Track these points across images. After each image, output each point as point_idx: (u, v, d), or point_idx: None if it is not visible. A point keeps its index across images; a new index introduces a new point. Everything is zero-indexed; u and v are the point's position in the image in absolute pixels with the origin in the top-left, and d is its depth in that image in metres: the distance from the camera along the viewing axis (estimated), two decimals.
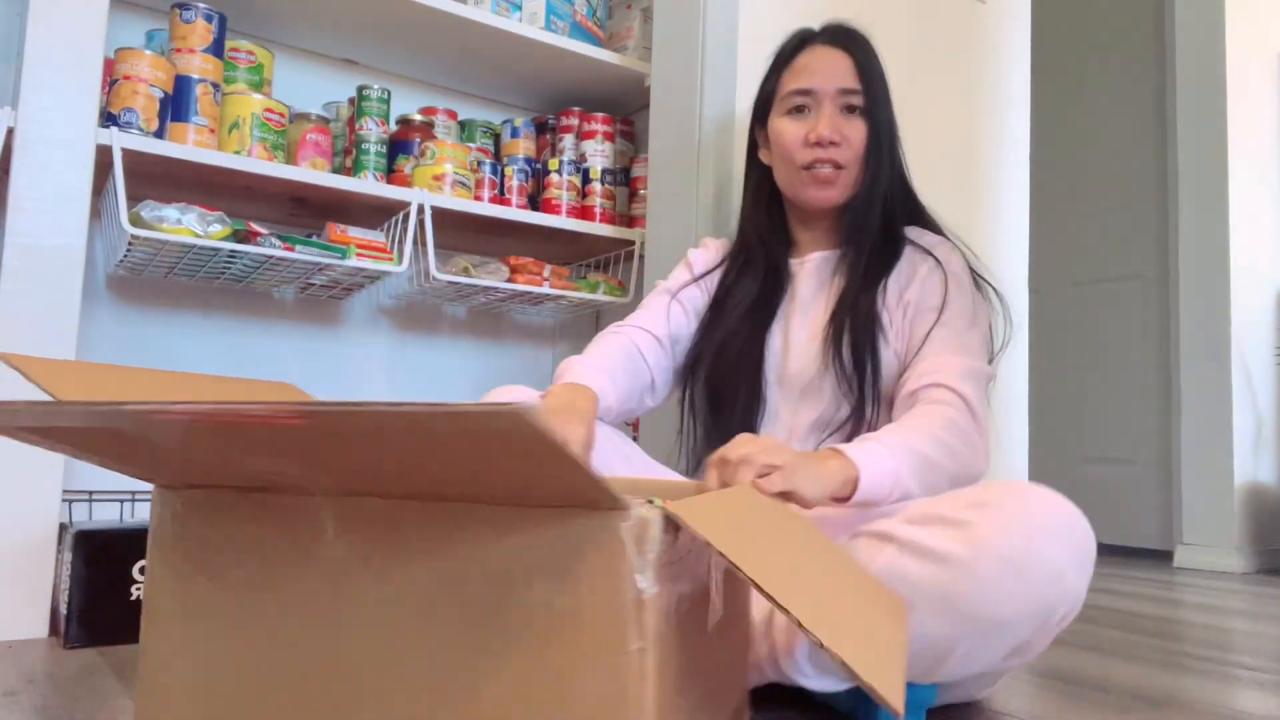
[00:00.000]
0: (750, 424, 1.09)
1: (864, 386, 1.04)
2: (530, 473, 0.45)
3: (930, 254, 1.09)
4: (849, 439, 0.98)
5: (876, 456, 0.87)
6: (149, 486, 1.52)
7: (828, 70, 1.10)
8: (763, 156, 1.19)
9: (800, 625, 0.44)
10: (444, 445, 0.43)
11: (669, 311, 1.16)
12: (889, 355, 1.06)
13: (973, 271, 1.11)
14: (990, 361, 1.05)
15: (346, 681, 0.54)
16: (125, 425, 0.48)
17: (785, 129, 1.12)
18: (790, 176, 1.13)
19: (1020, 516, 0.75)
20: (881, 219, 1.11)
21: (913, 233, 1.14)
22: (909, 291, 1.07)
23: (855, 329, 1.05)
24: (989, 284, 1.12)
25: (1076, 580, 0.75)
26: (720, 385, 1.11)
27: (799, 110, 1.11)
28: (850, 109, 1.10)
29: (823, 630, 0.44)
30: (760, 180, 1.20)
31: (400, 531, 0.54)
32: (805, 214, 1.16)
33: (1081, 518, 0.79)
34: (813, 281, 1.14)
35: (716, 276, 1.20)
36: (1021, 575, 0.73)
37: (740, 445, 0.79)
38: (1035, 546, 0.74)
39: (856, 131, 1.10)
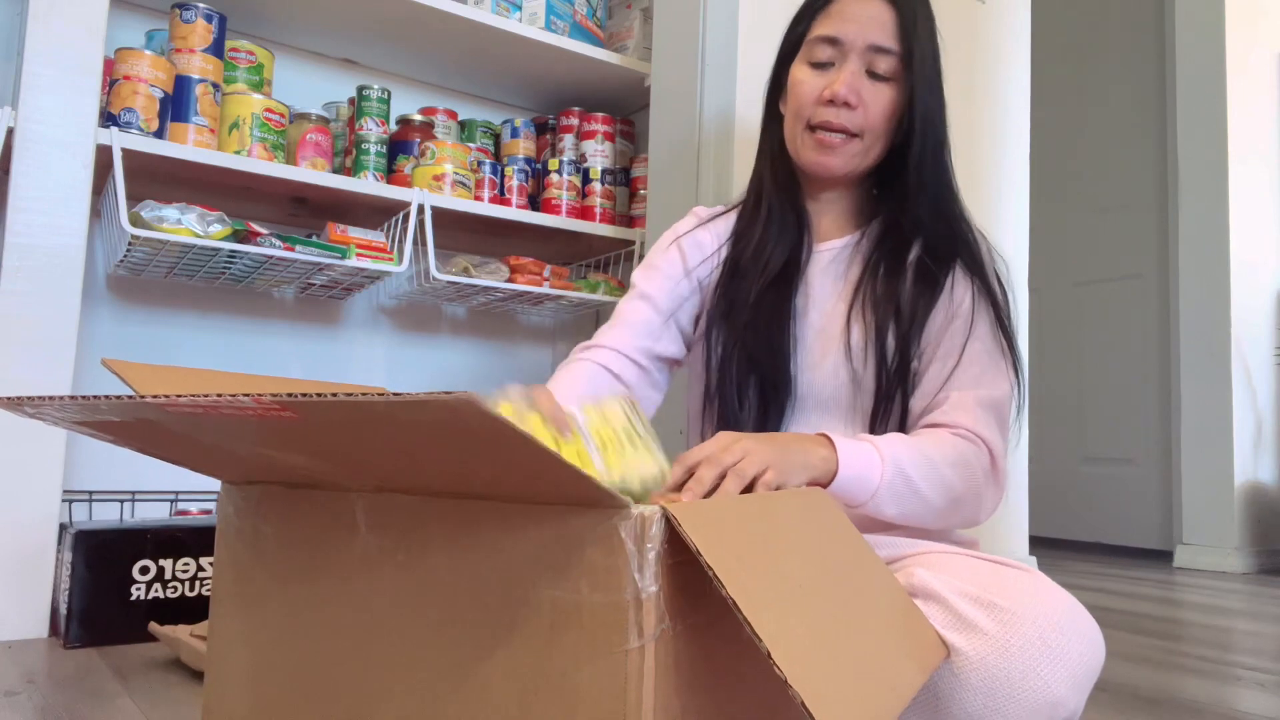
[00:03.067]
0: (778, 418, 0.97)
1: (879, 397, 0.92)
2: (509, 464, 0.45)
3: (961, 260, 0.97)
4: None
5: (864, 465, 0.81)
6: (149, 486, 1.53)
7: (863, 20, 0.95)
8: (781, 105, 1.04)
9: (769, 656, 0.43)
10: (414, 435, 0.44)
11: (660, 329, 1.01)
12: (919, 359, 0.94)
13: (1001, 287, 0.98)
14: (1016, 372, 0.94)
15: (377, 671, 0.56)
16: (158, 419, 0.49)
17: (802, 79, 0.97)
18: (794, 132, 0.99)
19: (1030, 631, 0.70)
20: (912, 204, 0.97)
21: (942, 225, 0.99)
22: (937, 306, 0.95)
23: (873, 328, 0.94)
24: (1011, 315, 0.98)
25: (1075, 703, 0.71)
26: (743, 383, 0.97)
27: (822, 61, 0.97)
28: (877, 73, 0.95)
29: (800, 674, 0.44)
30: (773, 131, 1.06)
31: (423, 527, 0.55)
32: (813, 180, 1.02)
33: (1092, 631, 0.73)
34: (828, 275, 1.00)
35: (722, 249, 1.05)
36: (1015, 697, 0.69)
37: (703, 448, 0.71)
38: (1037, 670, 0.69)
39: (878, 98, 0.95)
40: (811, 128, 0.97)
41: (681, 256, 1.05)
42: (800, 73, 0.98)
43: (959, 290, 0.95)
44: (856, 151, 0.97)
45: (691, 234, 1.06)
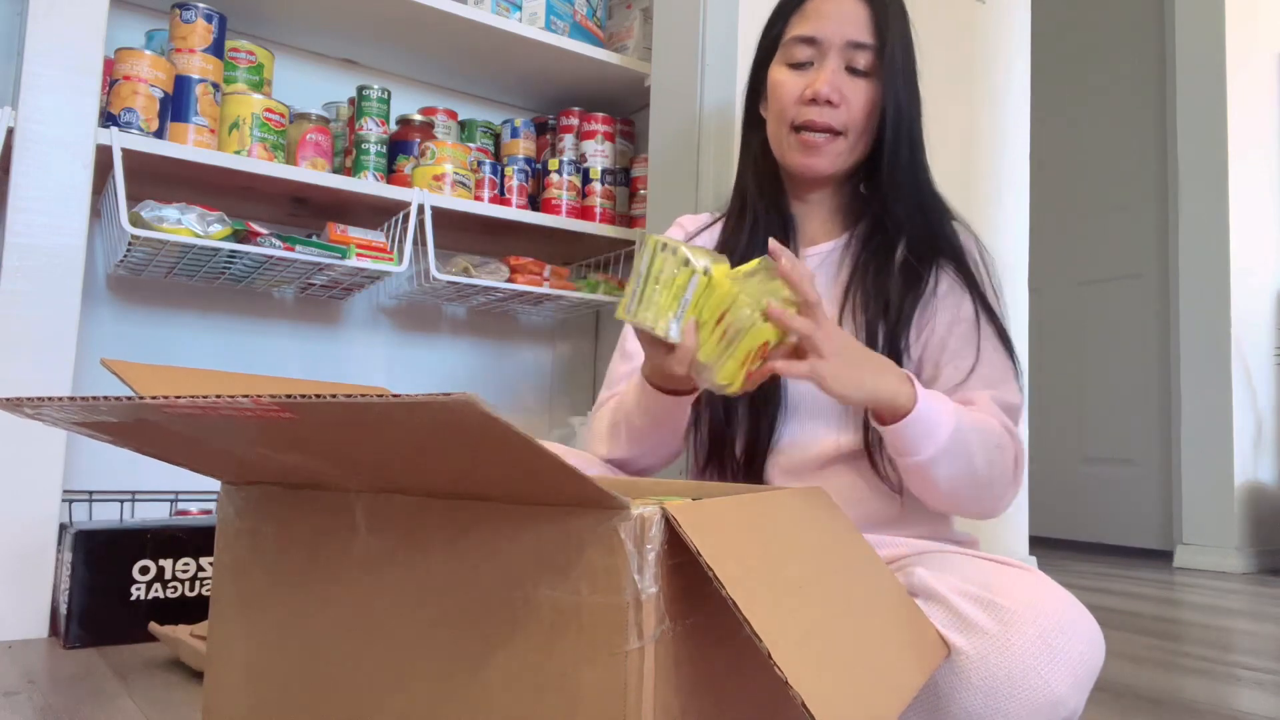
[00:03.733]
0: (769, 427, 0.95)
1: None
2: (509, 465, 0.45)
3: (946, 258, 0.96)
4: (862, 469, 0.92)
5: (937, 415, 0.79)
6: (149, 486, 1.53)
7: (839, 18, 0.95)
8: (762, 109, 1.04)
9: (769, 657, 0.43)
10: (413, 435, 0.44)
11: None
12: (911, 359, 0.93)
13: (992, 286, 0.98)
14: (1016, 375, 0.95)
15: (377, 672, 0.56)
16: (158, 420, 0.49)
17: (781, 81, 0.97)
18: (778, 135, 0.99)
19: (1030, 630, 0.70)
20: (890, 202, 0.97)
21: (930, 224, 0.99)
22: (931, 310, 0.94)
23: (864, 329, 0.93)
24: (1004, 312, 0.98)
25: (1076, 702, 0.71)
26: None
27: (800, 61, 0.97)
28: (856, 68, 0.95)
29: (800, 675, 0.44)
30: (756, 135, 1.05)
31: (423, 528, 0.55)
32: (799, 183, 1.02)
33: (1093, 630, 0.73)
34: (816, 281, 0.94)
35: None
36: (1016, 696, 0.69)
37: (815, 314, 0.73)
38: (1037, 669, 0.69)
39: (859, 94, 0.95)
40: (795, 128, 0.96)
41: None
42: (779, 74, 0.98)
43: (954, 294, 0.94)
44: (841, 150, 0.96)
45: None
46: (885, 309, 0.93)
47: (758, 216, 1.01)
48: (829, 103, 0.94)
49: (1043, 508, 2.85)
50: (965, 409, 0.85)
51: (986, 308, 0.94)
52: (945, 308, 0.94)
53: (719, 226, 1.07)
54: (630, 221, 1.84)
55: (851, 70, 0.95)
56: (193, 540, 1.22)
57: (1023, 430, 0.99)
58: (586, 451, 1.01)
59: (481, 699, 0.51)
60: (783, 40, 0.99)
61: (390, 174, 1.65)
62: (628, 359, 1.04)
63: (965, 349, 0.92)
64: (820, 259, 1.01)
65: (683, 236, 1.08)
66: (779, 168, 1.02)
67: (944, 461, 0.81)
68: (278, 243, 1.41)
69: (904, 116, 0.96)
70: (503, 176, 1.74)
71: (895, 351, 0.92)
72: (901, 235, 0.96)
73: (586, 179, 1.80)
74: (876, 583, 0.65)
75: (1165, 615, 1.73)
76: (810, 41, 0.96)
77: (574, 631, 0.47)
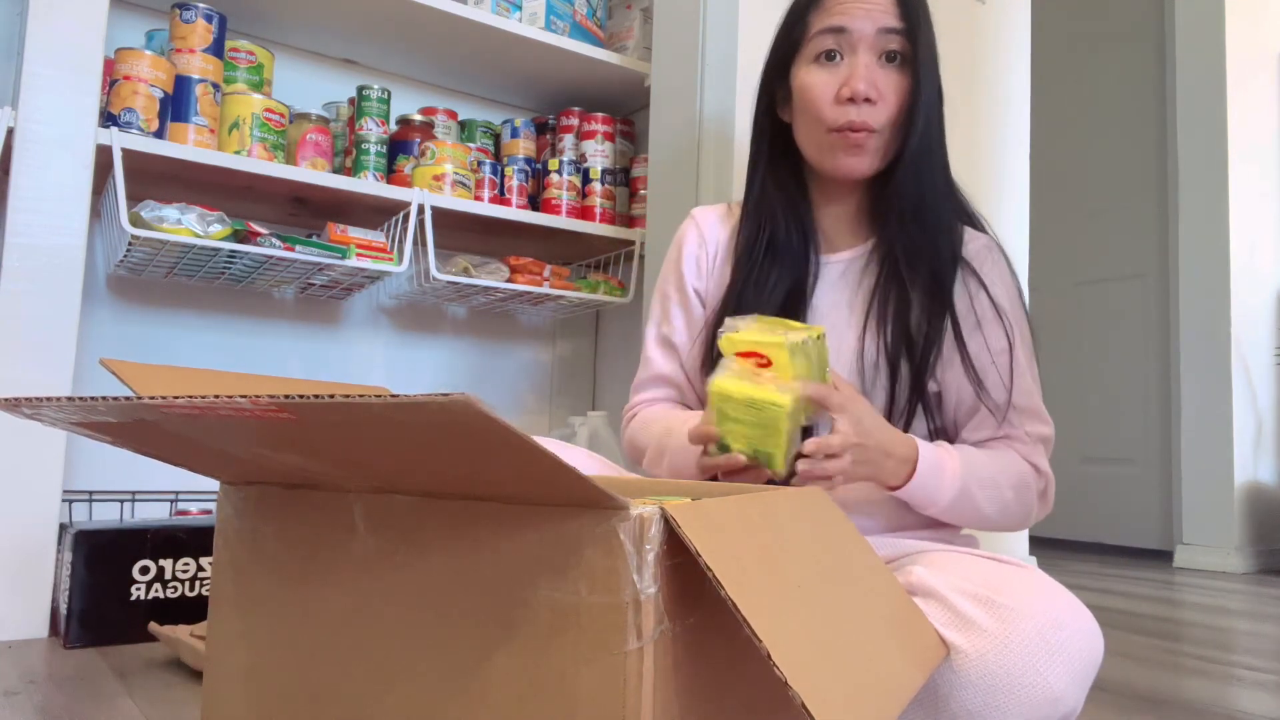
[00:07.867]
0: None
1: (885, 415, 0.89)
2: (508, 465, 0.45)
3: (979, 270, 0.95)
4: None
5: (935, 486, 0.85)
6: (149, 486, 1.53)
7: (866, 5, 0.90)
8: (782, 114, 0.99)
9: (769, 657, 0.43)
10: (412, 435, 0.44)
11: (693, 373, 1.01)
12: (936, 383, 0.93)
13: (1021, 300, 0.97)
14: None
15: (375, 672, 0.56)
16: (156, 420, 0.49)
17: (814, 80, 0.92)
18: (816, 139, 0.93)
19: (1029, 628, 0.70)
20: (923, 201, 0.93)
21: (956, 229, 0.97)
22: (961, 342, 0.92)
23: (896, 348, 0.91)
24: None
25: (1075, 699, 0.71)
26: None
27: (829, 56, 0.91)
28: (891, 56, 0.91)
29: (799, 675, 0.44)
30: (775, 141, 0.99)
31: (422, 528, 0.55)
32: (829, 185, 0.98)
33: (1091, 627, 0.73)
34: (839, 289, 0.96)
35: (723, 265, 1.02)
36: (1015, 693, 0.69)
37: (846, 426, 0.77)
38: (1036, 666, 0.69)
39: (894, 85, 0.91)
40: (832, 131, 0.91)
41: (690, 292, 1.04)
42: (809, 75, 0.93)
43: (987, 325, 0.93)
44: (880, 147, 0.92)
45: (694, 256, 1.04)
46: (909, 347, 0.91)
47: (776, 225, 0.98)
48: (867, 100, 0.90)
49: None
50: (980, 463, 0.89)
51: (1021, 335, 0.95)
52: (977, 340, 0.93)
53: (733, 220, 1.04)
54: (630, 221, 1.84)
55: (883, 60, 0.91)
56: (193, 540, 1.22)
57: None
58: (626, 455, 1.02)
59: (480, 699, 0.51)
60: (806, 37, 0.94)
61: (390, 174, 1.65)
62: (649, 364, 1.05)
63: (999, 384, 0.93)
64: (843, 267, 0.98)
65: (697, 235, 1.04)
66: (801, 173, 0.99)
67: (948, 514, 0.88)
68: (278, 243, 1.41)
69: (936, 106, 0.93)
70: (503, 176, 1.74)
71: (920, 387, 0.91)
72: (925, 250, 0.93)
73: (586, 179, 1.80)
74: (875, 582, 0.65)
75: (1165, 615, 1.73)
76: (838, 32, 0.91)
77: (573, 632, 0.47)
